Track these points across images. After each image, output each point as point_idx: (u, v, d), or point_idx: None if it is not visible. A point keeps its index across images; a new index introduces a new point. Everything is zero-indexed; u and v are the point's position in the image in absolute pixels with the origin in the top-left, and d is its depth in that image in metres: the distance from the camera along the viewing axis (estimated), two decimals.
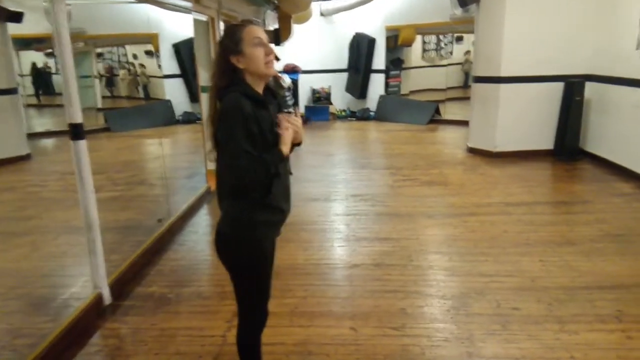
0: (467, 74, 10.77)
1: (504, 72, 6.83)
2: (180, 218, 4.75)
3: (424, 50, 12.00)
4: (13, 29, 8.19)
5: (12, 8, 6.60)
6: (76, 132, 2.93)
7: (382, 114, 11.15)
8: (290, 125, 1.79)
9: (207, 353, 2.66)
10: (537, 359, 2.55)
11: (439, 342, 2.72)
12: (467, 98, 8.14)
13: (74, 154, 2.98)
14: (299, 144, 1.96)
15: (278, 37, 9.15)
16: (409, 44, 11.60)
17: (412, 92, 11.76)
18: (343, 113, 11.76)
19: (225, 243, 1.90)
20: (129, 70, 15.22)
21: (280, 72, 10.86)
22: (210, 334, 2.83)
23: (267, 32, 8.67)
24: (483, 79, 7.18)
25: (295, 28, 10.54)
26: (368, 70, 11.35)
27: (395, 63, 12.65)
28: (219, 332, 2.84)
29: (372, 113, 11.40)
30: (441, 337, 2.77)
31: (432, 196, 5.39)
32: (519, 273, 3.53)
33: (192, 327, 2.92)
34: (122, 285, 3.42)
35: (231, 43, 1.81)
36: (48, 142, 7.63)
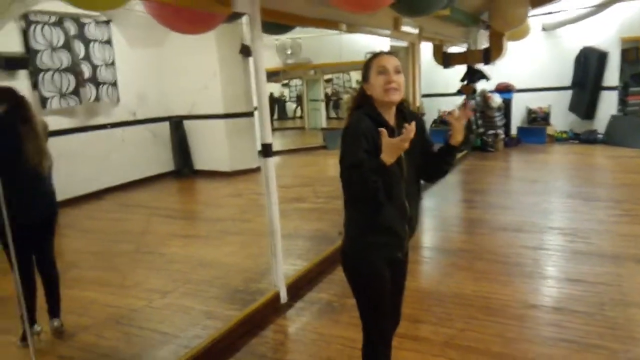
0: None
1: None
2: None
3: None
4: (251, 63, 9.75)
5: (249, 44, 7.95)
6: (266, 151, 3.41)
7: (612, 137, 9.68)
8: (396, 140, 1.71)
9: None
10: None
11: None
12: None
13: (263, 170, 3.46)
14: (458, 148, 1.97)
15: (488, 56, 8.82)
16: None
17: None
18: (564, 135, 10.60)
19: (344, 261, 2.01)
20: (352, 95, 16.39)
21: (490, 91, 10.42)
22: (360, 347, 2.93)
23: (475, 52, 8.49)
24: None
25: (511, 45, 10.00)
26: (597, 88, 10.02)
27: (637, 78, 10.88)
28: None
29: (599, 136, 10.00)
30: None
31: None
32: None
33: (347, 338, 3.06)
34: (298, 289, 3.79)
35: (364, 72, 1.94)
36: (274, 160, 8.86)
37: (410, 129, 1.66)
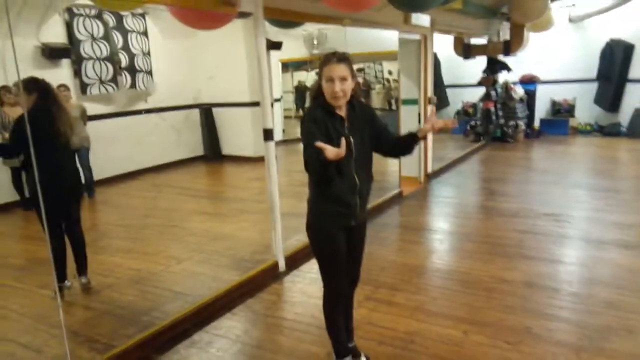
0: None
1: None
2: (368, 213, 5.35)
3: None
4: (280, 55, 10.18)
5: (274, 39, 8.36)
6: (267, 135, 3.83)
7: (635, 130, 9.62)
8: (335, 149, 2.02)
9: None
10: None
11: None
12: None
13: (265, 152, 3.88)
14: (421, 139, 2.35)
15: (508, 47, 8.94)
16: None
17: None
18: (588, 127, 10.57)
19: (307, 226, 2.42)
20: (383, 84, 16.70)
21: (513, 82, 10.49)
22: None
23: (496, 43, 8.63)
24: None
25: (537, 36, 10.04)
26: (622, 80, 9.93)
27: None
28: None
29: (622, 129, 9.93)
30: None
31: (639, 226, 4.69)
32: None
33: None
34: (296, 260, 4.22)
35: (319, 69, 2.29)
36: (291, 148, 9.31)
37: (342, 146, 1.99)
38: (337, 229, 2.38)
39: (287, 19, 4.30)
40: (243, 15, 3.82)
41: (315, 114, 2.24)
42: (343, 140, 2.02)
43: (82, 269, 3.87)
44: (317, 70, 2.34)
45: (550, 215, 5.13)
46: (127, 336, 3.03)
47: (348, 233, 2.43)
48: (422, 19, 6.20)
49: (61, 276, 3.67)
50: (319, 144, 2.01)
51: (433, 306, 3.36)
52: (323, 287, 2.52)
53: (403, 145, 2.46)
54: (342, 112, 2.31)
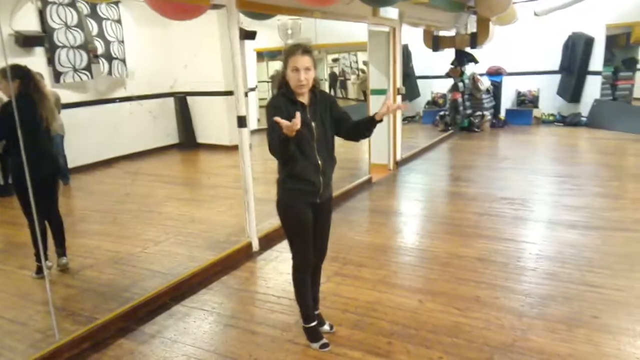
0: None
1: None
2: (339, 197, 5.61)
3: None
4: (254, 44, 10.29)
5: (248, 28, 8.51)
6: (240, 122, 4.04)
7: (595, 121, 10.14)
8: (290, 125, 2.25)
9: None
10: None
11: (492, 327, 2.95)
12: None
13: (239, 138, 4.10)
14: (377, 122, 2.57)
15: (475, 40, 9.29)
16: None
17: None
18: (550, 117, 11.06)
19: (277, 204, 2.67)
20: (358, 75, 16.89)
21: (480, 74, 10.88)
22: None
23: (464, 36, 8.97)
24: None
25: (504, 29, 10.42)
26: (583, 72, 10.43)
27: (628, 63, 11.27)
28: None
29: (583, 119, 10.45)
30: (497, 323, 2.98)
31: (590, 208, 5.09)
32: (629, 290, 3.34)
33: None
34: (270, 240, 4.47)
35: (283, 59, 2.52)
36: (265, 137, 9.48)
37: (296, 121, 2.20)
38: (304, 206, 2.63)
39: (258, 11, 4.50)
40: (216, 7, 4.01)
41: (278, 102, 2.48)
42: (298, 114, 2.23)
43: (61, 250, 4.04)
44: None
45: (507, 199, 5.50)
46: (108, 310, 3.24)
47: (314, 210, 2.69)
48: (390, 12, 6.47)
49: (44, 256, 3.83)
50: (277, 118, 2.24)
51: (394, 279, 3.66)
52: (292, 259, 2.77)
53: (362, 128, 2.68)
54: (304, 99, 2.56)
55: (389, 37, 6.80)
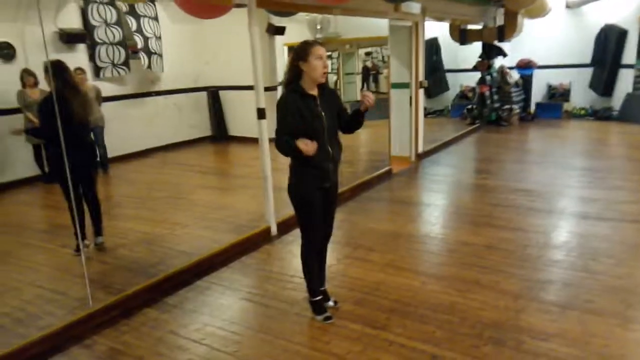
0: None
1: None
2: (358, 187, 5.85)
3: None
4: (284, 39, 10.55)
5: (277, 24, 8.78)
6: (260, 114, 4.32)
7: (626, 115, 9.94)
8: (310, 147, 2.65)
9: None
10: (569, 339, 2.74)
11: (487, 307, 3.12)
12: None
13: (259, 129, 4.38)
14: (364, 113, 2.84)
15: (502, 33, 9.27)
16: None
17: None
18: (582, 111, 10.89)
19: (288, 187, 2.92)
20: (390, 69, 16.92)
21: (510, 67, 10.82)
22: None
23: (491, 29, 8.97)
24: None
25: (535, 22, 10.31)
26: (615, 66, 10.22)
27: None
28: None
29: (614, 113, 10.25)
30: (493, 304, 3.16)
31: (605, 200, 5.12)
32: (628, 277, 3.44)
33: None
34: (288, 226, 4.73)
35: (303, 54, 2.76)
36: None
37: (314, 146, 2.65)
38: (315, 190, 2.88)
39: (279, 9, 4.75)
40: (239, 5, 4.29)
41: (288, 100, 2.73)
42: (314, 143, 2.64)
43: (98, 230, 4.43)
44: (292, 59, 2.81)
45: (524, 191, 5.59)
46: (137, 284, 3.58)
47: (324, 193, 2.93)
48: (412, 7, 6.59)
49: (82, 236, 4.22)
50: (300, 145, 2.63)
51: (401, 263, 3.87)
52: (301, 239, 3.03)
53: (354, 121, 2.95)
54: (314, 92, 2.80)
55: (411, 32, 6.92)
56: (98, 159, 4.94)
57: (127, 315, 3.27)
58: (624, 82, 10.18)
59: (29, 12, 6.27)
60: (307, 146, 2.63)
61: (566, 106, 10.97)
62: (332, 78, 20.48)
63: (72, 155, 3.74)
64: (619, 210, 4.80)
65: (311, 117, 2.73)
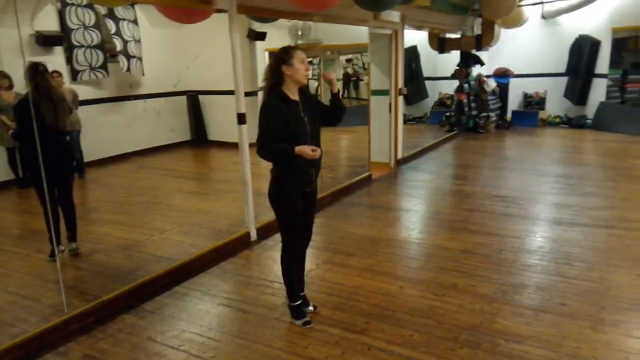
0: None
1: None
2: (338, 193, 5.88)
3: None
4: (264, 45, 10.55)
5: (259, 29, 8.80)
6: (240, 119, 4.32)
7: (600, 123, 10.21)
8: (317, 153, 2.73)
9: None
10: (542, 341, 2.80)
11: (464, 311, 3.18)
12: None
13: (239, 134, 4.38)
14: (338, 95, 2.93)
15: (480, 42, 9.45)
16: None
17: None
18: (556, 119, 11.15)
19: (269, 194, 2.92)
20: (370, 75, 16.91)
21: (487, 75, 11.03)
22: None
23: (469, 38, 9.13)
24: None
25: (512, 32, 10.53)
26: (589, 75, 10.51)
27: (637, 66, 11.29)
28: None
29: (588, 121, 10.53)
30: (469, 308, 3.21)
31: (579, 206, 5.25)
32: (601, 281, 3.53)
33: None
34: (268, 231, 4.73)
35: (287, 58, 2.78)
36: None
37: (316, 154, 2.72)
38: (297, 195, 2.89)
39: (259, 15, 4.77)
40: (220, 11, 4.30)
41: (272, 107, 2.74)
42: (318, 151, 2.71)
43: (72, 235, 4.35)
44: (274, 63, 2.82)
45: (500, 197, 5.69)
46: (114, 290, 3.53)
47: (305, 197, 2.95)
48: (392, 15, 6.68)
49: (57, 241, 4.15)
50: (307, 152, 2.70)
51: (379, 267, 3.90)
52: (282, 244, 3.03)
53: (333, 106, 3.00)
54: (296, 97, 2.82)
55: (390, 40, 7.01)
56: (74, 163, 4.87)
57: (104, 322, 3.22)
58: (598, 91, 10.46)
59: (4, 15, 6.17)
60: (314, 152, 2.70)
61: (542, 114, 11.22)
62: (313, 84, 20.65)
63: (47, 158, 3.68)
64: (591, 216, 4.93)
65: (295, 122, 2.74)
